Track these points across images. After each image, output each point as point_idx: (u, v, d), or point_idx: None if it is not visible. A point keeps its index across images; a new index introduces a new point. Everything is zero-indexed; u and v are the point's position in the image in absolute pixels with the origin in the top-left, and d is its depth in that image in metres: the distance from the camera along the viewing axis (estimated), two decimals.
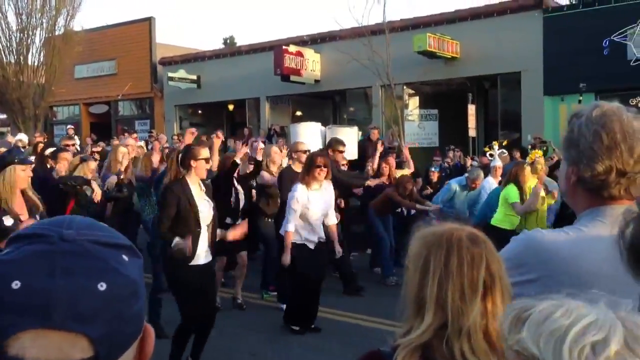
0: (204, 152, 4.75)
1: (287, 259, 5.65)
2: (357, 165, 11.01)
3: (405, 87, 15.96)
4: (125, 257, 0.76)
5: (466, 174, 9.09)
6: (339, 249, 6.11)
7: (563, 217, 7.70)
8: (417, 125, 16.08)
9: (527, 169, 7.16)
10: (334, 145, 7.60)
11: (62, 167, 6.36)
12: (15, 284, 0.68)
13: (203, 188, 4.73)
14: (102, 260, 0.73)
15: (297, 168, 6.51)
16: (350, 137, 11.26)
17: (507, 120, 15.15)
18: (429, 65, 14.52)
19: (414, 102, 16.89)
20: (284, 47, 16.44)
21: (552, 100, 13.73)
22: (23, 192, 4.25)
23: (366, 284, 7.84)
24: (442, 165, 12.40)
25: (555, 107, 13.64)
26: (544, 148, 10.63)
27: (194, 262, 4.56)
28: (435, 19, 15.16)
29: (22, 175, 4.19)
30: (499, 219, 7.04)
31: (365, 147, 12.48)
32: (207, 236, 4.68)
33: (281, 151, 7.94)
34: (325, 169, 5.68)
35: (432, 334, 1.39)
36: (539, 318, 0.71)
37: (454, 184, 8.82)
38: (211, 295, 4.95)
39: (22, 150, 4.67)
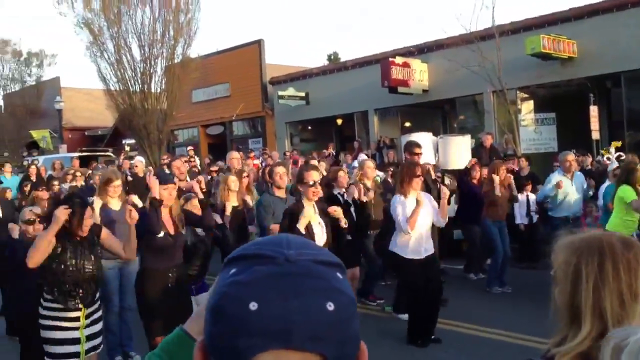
0: (312, 176, 4.76)
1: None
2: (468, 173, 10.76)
3: (518, 91, 15.39)
4: (339, 275, 0.77)
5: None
6: None
7: None
8: (533, 130, 15.41)
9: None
10: (409, 148, 7.47)
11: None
12: (253, 306, 0.71)
13: (316, 210, 4.75)
14: (325, 280, 0.75)
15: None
16: (463, 145, 11.02)
17: (634, 120, 14.15)
18: (543, 68, 13.92)
19: (528, 107, 16.23)
20: (390, 59, 16.45)
21: None
22: (170, 209, 4.64)
23: (465, 292, 7.76)
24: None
25: None
26: None
27: None
28: (549, 19, 14.52)
29: (164, 194, 4.54)
30: (615, 224, 6.47)
31: (479, 154, 12.17)
32: None
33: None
34: (421, 179, 5.67)
35: (590, 342, 1.34)
36: (635, 348, 0.70)
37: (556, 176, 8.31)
38: None
39: (166, 170, 5.06)
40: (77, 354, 3.97)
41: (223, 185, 6.67)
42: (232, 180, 6.67)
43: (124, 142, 23.05)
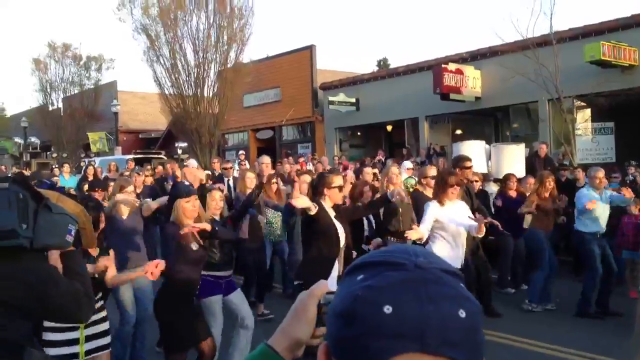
0: (337, 180, 4.73)
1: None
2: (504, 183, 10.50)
3: (575, 99, 14.97)
4: (462, 285, 0.78)
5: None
6: None
7: None
8: (590, 139, 14.95)
9: None
10: (459, 163, 7.28)
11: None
12: (387, 309, 0.72)
13: (336, 219, 4.74)
14: (455, 289, 0.76)
15: (429, 194, 6.31)
16: (517, 154, 10.78)
17: None
18: (603, 76, 13.49)
19: (585, 116, 15.75)
20: (443, 65, 16.28)
21: None
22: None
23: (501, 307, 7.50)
24: (625, 182, 11.35)
25: None
26: None
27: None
28: (609, 26, 14.08)
29: (187, 206, 4.57)
30: None
31: (533, 163, 11.88)
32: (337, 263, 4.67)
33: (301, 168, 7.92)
34: (458, 188, 5.51)
35: None
36: None
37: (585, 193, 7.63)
38: None
39: (186, 183, 5.02)
40: (76, 355, 3.86)
41: (242, 181, 7.27)
42: (249, 177, 7.14)
43: (176, 145, 23.56)
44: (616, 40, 13.40)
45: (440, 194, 5.51)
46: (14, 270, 2.26)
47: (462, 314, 0.73)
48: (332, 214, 4.69)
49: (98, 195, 7.39)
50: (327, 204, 4.67)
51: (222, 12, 20.82)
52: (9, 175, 8.58)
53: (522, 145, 11.53)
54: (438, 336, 0.71)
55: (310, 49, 22.38)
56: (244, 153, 17.87)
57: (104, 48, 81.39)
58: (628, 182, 11.60)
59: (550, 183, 7.83)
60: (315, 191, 4.72)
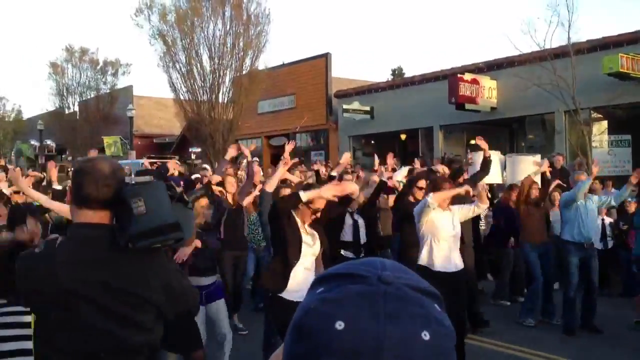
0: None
1: None
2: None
3: (592, 111, 14.85)
4: (437, 307, 0.71)
5: None
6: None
7: None
8: (606, 152, 14.82)
9: None
10: (457, 175, 7.37)
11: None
12: (339, 325, 0.66)
13: (310, 227, 4.47)
14: (423, 308, 0.69)
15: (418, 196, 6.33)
16: (533, 165, 10.70)
17: None
18: (621, 88, 13.38)
19: (601, 127, 15.62)
20: (458, 75, 16.24)
21: None
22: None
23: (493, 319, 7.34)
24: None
25: None
26: None
27: (297, 300, 4.06)
28: (628, 38, 13.98)
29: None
30: None
31: (550, 175, 11.78)
32: (312, 272, 4.35)
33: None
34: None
35: None
36: None
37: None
38: None
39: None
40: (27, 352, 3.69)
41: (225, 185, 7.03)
42: (229, 182, 6.98)
43: (190, 150, 23.67)
44: (635, 53, 13.31)
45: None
46: (154, 267, 2.11)
47: (426, 336, 0.66)
48: (301, 224, 4.39)
49: None
50: (302, 215, 4.40)
51: (239, 19, 20.95)
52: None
53: (538, 156, 11.43)
54: (394, 357, 0.64)
55: (325, 57, 22.43)
56: (258, 160, 17.87)
57: (120, 53, 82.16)
58: None
59: (535, 189, 7.71)
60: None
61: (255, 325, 6.67)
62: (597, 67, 13.21)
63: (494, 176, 10.18)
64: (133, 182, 2.03)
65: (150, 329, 2.07)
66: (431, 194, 5.28)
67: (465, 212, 5.55)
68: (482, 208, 5.67)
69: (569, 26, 13.62)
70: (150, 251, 2.06)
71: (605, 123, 15.61)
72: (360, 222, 6.23)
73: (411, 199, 6.45)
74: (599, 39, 14.61)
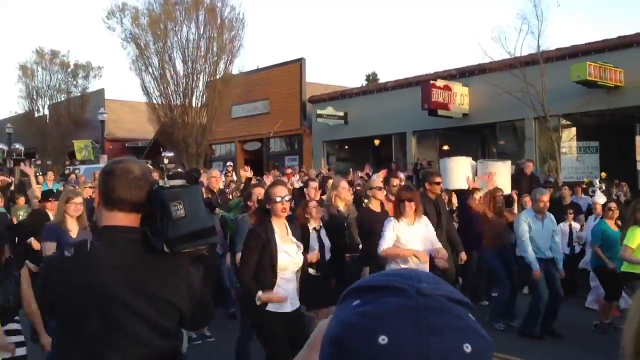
0: (280, 191, 4.32)
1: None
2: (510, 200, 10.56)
3: (561, 118, 15.14)
4: (471, 317, 0.71)
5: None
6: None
7: None
8: (575, 158, 15.11)
9: None
10: (429, 178, 7.12)
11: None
12: (383, 339, 0.65)
13: (289, 230, 4.36)
14: (462, 319, 0.69)
15: (375, 207, 6.19)
16: (503, 171, 10.83)
17: None
18: (588, 95, 13.68)
19: (570, 134, 15.94)
20: (431, 81, 16.41)
21: None
22: None
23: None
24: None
25: None
26: None
27: (279, 310, 4.16)
28: (596, 47, 14.30)
29: None
30: (636, 266, 6.12)
31: (519, 181, 11.95)
32: (295, 283, 4.31)
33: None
34: (412, 203, 5.23)
35: None
36: None
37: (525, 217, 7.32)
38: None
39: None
40: None
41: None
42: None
43: (162, 154, 23.44)
44: (602, 61, 13.61)
45: (396, 210, 5.32)
46: (182, 272, 2.05)
47: (468, 348, 0.66)
48: (280, 232, 4.30)
49: (50, 206, 6.80)
50: (278, 220, 4.31)
51: (213, 23, 20.87)
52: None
53: (509, 162, 11.60)
54: None
55: (300, 62, 22.46)
56: (232, 164, 17.82)
57: (92, 56, 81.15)
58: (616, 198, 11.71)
59: (500, 198, 7.79)
60: (264, 207, 4.39)
61: (226, 332, 6.62)
62: (566, 75, 13.48)
63: (463, 182, 10.31)
64: (168, 185, 2.02)
65: (174, 335, 2.05)
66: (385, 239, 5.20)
67: (425, 240, 5.38)
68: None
69: (539, 34, 13.91)
70: (179, 256, 2.03)
71: (574, 130, 15.94)
72: (327, 243, 5.92)
73: (372, 206, 6.31)
74: (568, 47, 14.91)
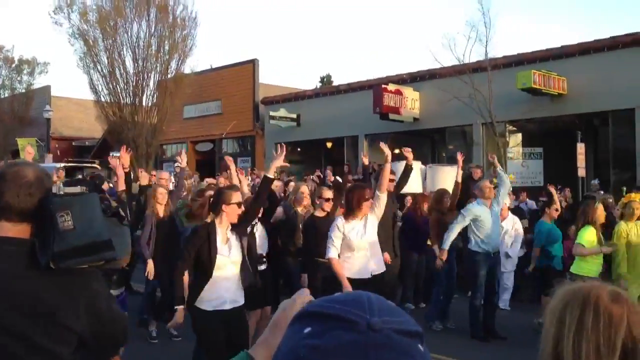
0: (236, 197, 4.49)
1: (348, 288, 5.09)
2: (461, 204, 10.76)
3: (507, 124, 15.55)
4: (420, 348, 0.73)
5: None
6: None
7: None
8: (520, 164, 15.54)
9: (600, 207, 6.48)
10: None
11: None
12: None
13: (231, 235, 4.50)
14: (410, 356, 0.70)
15: (320, 214, 6.34)
16: (451, 176, 11.06)
17: (620, 159, 14.32)
18: (533, 103, 14.09)
19: (516, 140, 16.39)
20: (383, 85, 16.58)
21: None
22: None
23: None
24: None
25: None
26: None
27: (218, 308, 4.33)
28: (540, 55, 14.74)
29: None
30: (583, 267, 6.29)
31: (468, 185, 12.19)
32: (235, 281, 4.44)
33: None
34: (368, 202, 5.35)
35: None
36: None
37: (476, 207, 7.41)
38: (242, 343, 4.33)
39: None
40: None
41: (153, 197, 6.74)
42: (160, 192, 6.76)
43: (111, 154, 22.87)
44: (547, 70, 14.03)
45: (354, 209, 5.36)
46: (81, 290, 1.84)
47: None
48: (222, 235, 4.43)
49: None
50: (223, 222, 4.45)
51: (164, 21, 20.53)
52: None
53: (456, 167, 11.83)
54: None
55: (253, 63, 22.33)
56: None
57: (38, 51, 78.51)
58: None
59: (447, 200, 7.99)
60: (214, 208, 4.48)
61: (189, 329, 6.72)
62: (512, 82, 13.84)
63: (415, 185, 10.45)
64: (62, 192, 1.83)
65: None
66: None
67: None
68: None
69: (487, 42, 14.24)
70: (78, 272, 1.82)
71: (519, 136, 16.38)
72: (259, 241, 6.00)
73: (317, 214, 6.38)
74: (514, 55, 15.32)
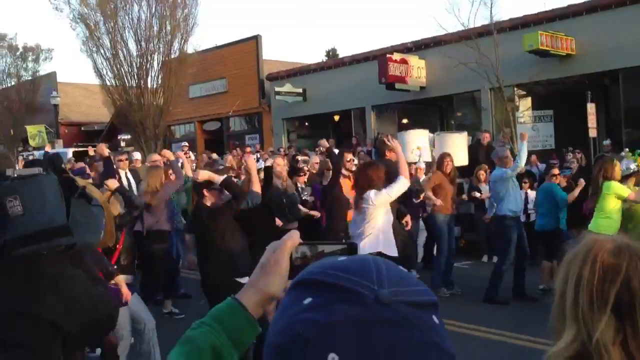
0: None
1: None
2: (468, 171, 10.70)
3: (516, 88, 15.35)
4: (435, 320, 0.66)
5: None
6: None
7: None
8: (530, 127, 15.38)
9: (617, 164, 6.31)
10: (382, 147, 7.03)
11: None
12: (332, 358, 0.60)
13: None
14: (421, 332, 0.63)
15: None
16: (459, 142, 10.98)
17: (631, 118, 14.12)
18: (541, 65, 13.86)
19: (526, 104, 16.19)
20: (387, 55, 16.38)
21: None
22: None
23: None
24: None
25: None
26: None
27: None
28: (547, 16, 14.47)
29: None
30: (602, 224, 6.10)
31: (476, 152, 12.11)
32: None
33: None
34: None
35: (579, 344, 1.31)
36: None
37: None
38: None
39: None
40: None
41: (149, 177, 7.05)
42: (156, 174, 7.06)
43: (119, 137, 22.95)
44: (554, 30, 13.78)
45: (374, 187, 5.36)
46: (48, 276, 1.73)
47: None
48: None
49: None
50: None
51: (164, 1, 20.34)
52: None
53: (465, 134, 11.75)
54: None
55: (256, 39, 22.15)
56: (187, 145, 17.56)
57: (41, 38, 78.33)
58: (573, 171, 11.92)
59: (448, 164, 7.96)
60: (197, 192, 4.71)
61: (191, 307, 6.97)
62: (519, 45, 13.61)
63: (424, 154, 10.41)
64: (15, 175, 1.70)
65: (46, 356, 1.70)
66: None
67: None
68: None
69: (491, 5, 13.99)
70: (46, 257, 1.69)
71: (529, 99, 16.17)
72: None
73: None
74: (520, 17, 15.05)
